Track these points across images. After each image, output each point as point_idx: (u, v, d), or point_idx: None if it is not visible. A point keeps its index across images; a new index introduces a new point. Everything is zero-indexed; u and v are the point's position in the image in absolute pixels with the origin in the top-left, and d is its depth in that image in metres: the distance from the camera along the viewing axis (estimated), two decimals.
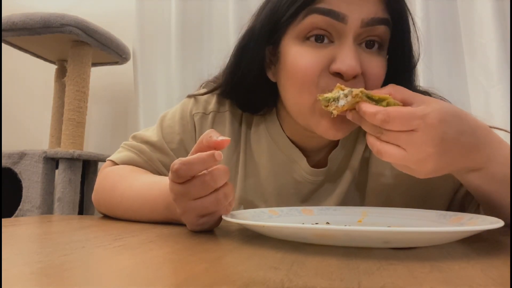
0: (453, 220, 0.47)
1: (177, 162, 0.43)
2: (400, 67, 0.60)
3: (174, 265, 0.31)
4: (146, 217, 0.57)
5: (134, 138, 0.72)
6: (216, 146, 0.44)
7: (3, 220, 0.58)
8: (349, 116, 0.48)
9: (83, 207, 1.56)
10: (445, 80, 1.36)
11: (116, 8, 1.81)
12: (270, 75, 0.61)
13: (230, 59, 0.65)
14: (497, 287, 0.25)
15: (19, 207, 1.41)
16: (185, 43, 1.60)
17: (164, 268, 0.29)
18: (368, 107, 0.45)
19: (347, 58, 0.51)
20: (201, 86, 0.76)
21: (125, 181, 0.64)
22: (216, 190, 0.44)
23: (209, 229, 0.48)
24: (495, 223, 0.37)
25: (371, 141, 0.46)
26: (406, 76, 0.62)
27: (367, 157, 0.66)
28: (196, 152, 0.45)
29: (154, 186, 0.57)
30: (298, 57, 0.54)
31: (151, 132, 0.72)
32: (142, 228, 0.51)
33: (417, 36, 0.62)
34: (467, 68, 1.33)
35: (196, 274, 0.27)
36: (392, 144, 0.45)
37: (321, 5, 0.52)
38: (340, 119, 0.51)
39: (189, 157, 0.43)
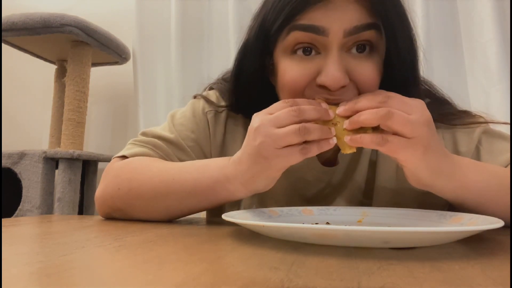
0: (453, 220, 0.47)
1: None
2: (401, 69, 0.57)
3: (174, 265, 0.31)
4: (191, 185, 0.55)
5: (145, 134, 0.67)
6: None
7: (3, 220, 0.58)
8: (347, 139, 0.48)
9: (83, 207, 1.56)
10: (445, 80, 1.35)
11: (116, 8, 1.82)
12: (272, 81, 0.62)
13: (231, 73, 0.65)
14: (497, 287, 0.25)
15: (19, 207, 1.41)
16: (185, 43, 1.60)
17: (164, 268, 0.29)
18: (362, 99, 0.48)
19: (331, 70, 0.50)
20: (205, 89, 0.75)
21: (160, 162, 0.61)
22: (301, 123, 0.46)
23: (284, 167, 0.50)
24: (495, 223, 0.37)
25: (373, 138, 0.46)
26: (409, 78, 0.58)
27: (374, 159, 0.67)
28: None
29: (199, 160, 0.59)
30: (286, 70, 0.55)
31: (162, 129, 0.68)
32: (142, 228, 0.51)
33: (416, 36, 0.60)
34: (467, 68, 1.33)
35: (196, 274, 0.27)
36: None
37: (302, 22, 0.51)
38: None
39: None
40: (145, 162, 0.61)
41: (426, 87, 0.69)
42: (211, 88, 0.74)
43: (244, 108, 0.67)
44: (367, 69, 0.53)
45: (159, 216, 0.58)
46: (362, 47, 0.53)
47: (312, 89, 0.53)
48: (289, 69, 0.54)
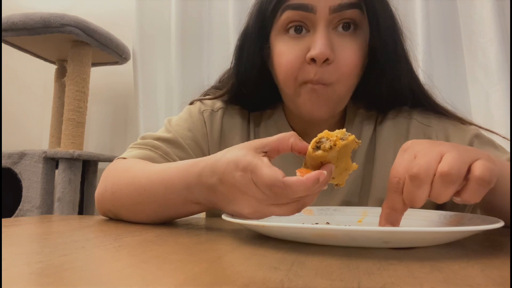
0: (453, 220, 0.47)
1: (278, 180, 0.38)
2: (384, 48, 0.61)
3: (174, 265, 0.31)
4: (161, 198, 0.51)
5: (143, 138, 0.68)
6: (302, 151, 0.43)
7: (3, 220, 0.58)
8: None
9: (83, 207, 1.57)
10: (445, 80, 1.36)
11: (116, 8, 1.82)
12: (269, 66, 0.66)
13: (232, 59, 0.69)
14: (497, 287, 0.25)
15: (19, 207, 1.41)
16: (185, 43, 1.60)
17: (164, 268, 0.29)
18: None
19: (317, 44, 0.56)
20: (201, 95, 0.78)
21: (138, 166, 0.58)
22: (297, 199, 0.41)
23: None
24: (495, 223, 0.37)
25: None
26: (393, 57, 0.62)
27: (372, 151, 0.68)
28: (276, 147, 0.44)
29: (170, 165, 0.53)
30: (281, 51, 0.61)
31: (160, 132, 0.69)
32: (142, 228, 0.51)
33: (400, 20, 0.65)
34: (467, 68, 1.33)
35: (196, 274, 0.27)
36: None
37: (293, 1, 0.59)
38: (317, 98, 0.59)
39: (292, 181, 0.38)
40: (127, 165, 0.60)
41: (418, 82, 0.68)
42: (205, 95, 0.77)
43: (243, 97, 0.70)
44: (349, 48, 0.59)
45: (143, 221, 0.56)
46: (347, 26, 0.59)
47: (304, 67, 0.58)
48: (284, 50, 0.60)
